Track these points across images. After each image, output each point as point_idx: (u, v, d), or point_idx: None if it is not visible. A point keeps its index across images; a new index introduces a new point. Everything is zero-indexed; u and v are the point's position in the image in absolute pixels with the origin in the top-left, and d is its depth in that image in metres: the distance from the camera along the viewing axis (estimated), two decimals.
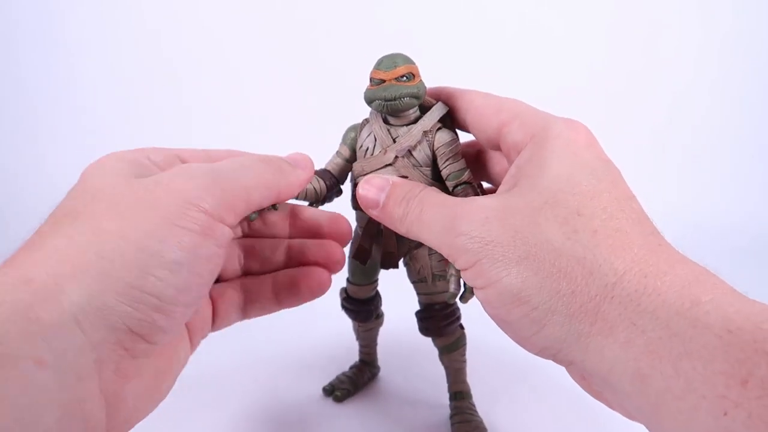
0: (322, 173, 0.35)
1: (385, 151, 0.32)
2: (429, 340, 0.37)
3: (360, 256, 0.34)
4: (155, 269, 0.23)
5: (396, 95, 0.31)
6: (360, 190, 0.30)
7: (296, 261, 0.34)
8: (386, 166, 0.32)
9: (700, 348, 0.19)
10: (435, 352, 0.37)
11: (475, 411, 0.37)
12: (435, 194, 0.29)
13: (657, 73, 1.03)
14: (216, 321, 0.31)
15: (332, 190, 0.35)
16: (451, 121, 0.34)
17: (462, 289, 0.29)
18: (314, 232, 0.34)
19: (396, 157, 0.32)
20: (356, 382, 0.40)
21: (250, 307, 0.33)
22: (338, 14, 0.99)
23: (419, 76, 0.32)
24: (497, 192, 0.28)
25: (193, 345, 0.30)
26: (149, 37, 0.99)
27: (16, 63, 0.98)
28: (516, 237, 0.25)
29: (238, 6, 0.99)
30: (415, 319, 0.37)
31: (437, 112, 0.33)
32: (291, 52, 0.99)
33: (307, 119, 0.95)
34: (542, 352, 0.25)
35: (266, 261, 0.34)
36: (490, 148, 0.33)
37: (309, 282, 0.33)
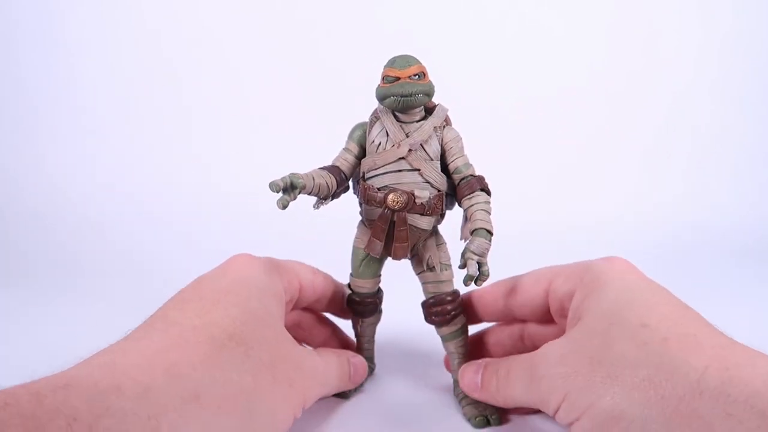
0: (332, 169, 0.36)
1: (399, 145, 0.34)
2: (421, 336, 0.39)
3: (373, 248, 0.35)
4: None
5: (411, 92, 0.33)
6: (461, 379, 0.35)
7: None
8: (399, 159, 0.34)
9: None
10: (428, 346, 0.39)
11: None
12: (515, 356, 0.33)
13: (657, 73, 1.03)
14: None
15: (341, 186, 0.36)
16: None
17: (477, 273, 0.31)
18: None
19: (410, 150, 0.34)
20: None
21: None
22: (338, 14, 0.99)
23: (428, 75, 0.34)
24: (566, 333, 0.31)
25: None
26: (149, 37, 0.99)
27: (16, 63, 0.98)
28: (593, 362, 0.27)
29: (238, 6, 0.99)
30: (407, 315, 0.38)
31: (442, 111, 0.36)
32: (291, 51, 0.99)
33: (307, 119, 0.95)
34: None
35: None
36: (537, 321, 0.37)
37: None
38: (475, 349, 0.39)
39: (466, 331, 0.38)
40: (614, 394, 0.25)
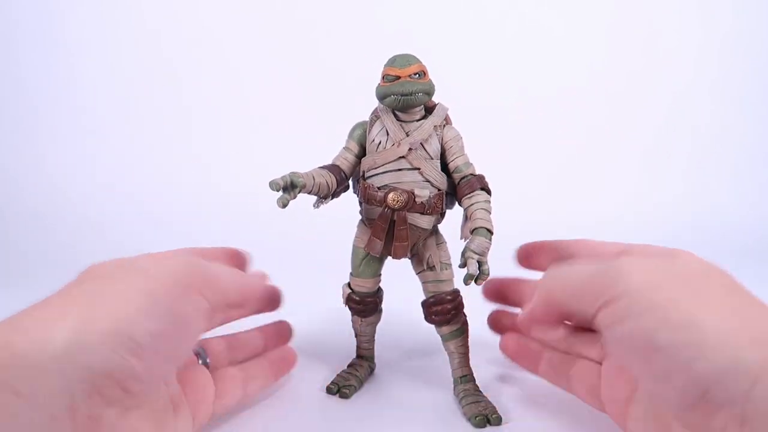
0: (332, 168, 0.36)
1: (399, 144, 0.34)
2: (421, 336, 0.38)
3: (373, 247, 0.35)
4: (134, 314, 0.25)
5: (411, 90, 0.33)
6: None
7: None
8: (400, 158, 0.34)
9: None
10: (428, 345, 0.38)
11: (482, 392, 0.37)
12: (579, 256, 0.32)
13: (657, 73, 1.03)
14: (218, 396, 0.33)
15: (341, 186, 0.36)
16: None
17: (477, 272, 0.31)
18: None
19: (410, 149, 0.34)
20: (359, 377, 0.40)
21: (249, 384, 0.35)
22: (338, 14, 0.99)
23: (428, 75, 0.34)
24: None
25: (196, 420, 0.31)
26: (149, 37, 0.99)
27: (16, 63, 0.98)
28: (683, 278, 0.27)
29: (238, 6, 0.99)
30: (407, 314, 0.38)
31: (442, 110, 0.36)
32: (291, 51, 0.99)
33: (307, 118, 0.95)
34: (696, 383, 0.24)
35: (252, 349, 0.38)
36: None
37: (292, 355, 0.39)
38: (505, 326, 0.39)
39: (467, 330, 0.38)
40: (693, 307, 0.25)
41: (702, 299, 0.25)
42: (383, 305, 0.41)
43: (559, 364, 0.35)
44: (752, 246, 0.82)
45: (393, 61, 0.34)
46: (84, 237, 0.83)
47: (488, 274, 0.32)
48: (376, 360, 0.43)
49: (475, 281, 0.31)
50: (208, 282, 0.29)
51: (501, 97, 1.00)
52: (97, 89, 0.99)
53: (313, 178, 0.34)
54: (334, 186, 0.35)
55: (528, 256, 0.38)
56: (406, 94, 0.33)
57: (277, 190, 0.31)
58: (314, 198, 0.36)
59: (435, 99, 0.36)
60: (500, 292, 0.40)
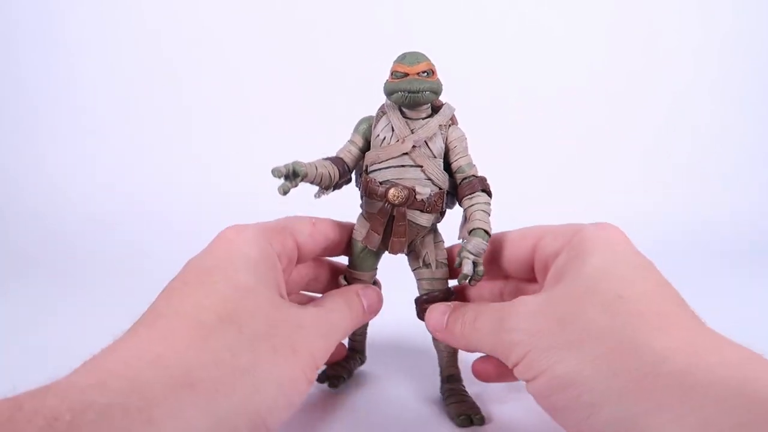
0: (335, 160, 0.36)
1: (403, 140, 0.34)
2: (414, 333, 0.39)
3: (371, 241, 0.35)
4: (281, 407, 0.26)
5: (419, 88, 0.33)
6: (427, 319, 0.34)
7: None
8: (403, 155, 0.34)
9: (764, 418, 0.19)
10: (420, 343, 0.39)
11: (467, 393, 0.38)
12: (486, 304, 0.32)
13: (657, 73, 1.03)
14: None
15: (343, 178, 0.36)
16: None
17: (472, 273, 0.31)
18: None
19: (414, 146, 0.34)
20: (349, 368, 0.41)
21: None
22: (338, 14, 0.99)
23: (437, 74, 0.35)
24: (543, 291, 0.30)
25: None
26: (149, 37, 0.99)
27: (16, 63, 0.98)
28: (561, 324, 0.26)
29: (238, 6, 0.99)
30: (399, 313, 0.38)
31: (448, 110, 0.36)
32: (291, 52, 0.99)
33: (307, 119, 0.95)
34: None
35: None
36: (523, 279, 0.36)
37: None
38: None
39: None
40: (574, 361, 0.25)
41: (580, 349, 0.25)
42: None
43: None
44: (752, 246, 0.82)
45: (402, 58, 0.34)
46: (84, 237, 0.83)
47: (482, 275, 0.32)
48: (369, 355, 0.44)
49: (469, 282, 0.32)
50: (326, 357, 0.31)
51: (500, 97, 1.00)
52: (97, 89, 0.99)
53: (316, 168, 0.34)
54: (336, 177, 0.35)
55: None
56: (413, 92, 0.33)
57: (279, 177, 0.31)
58: (315, 189, 0.36)
59: (442, 99, 0.36)
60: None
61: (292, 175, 0.32)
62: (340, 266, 0.41)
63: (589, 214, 0.93)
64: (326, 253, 0.38)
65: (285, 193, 0.31)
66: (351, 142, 0.37)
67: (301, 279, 0.38)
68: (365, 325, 0.42)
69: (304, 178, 0.33)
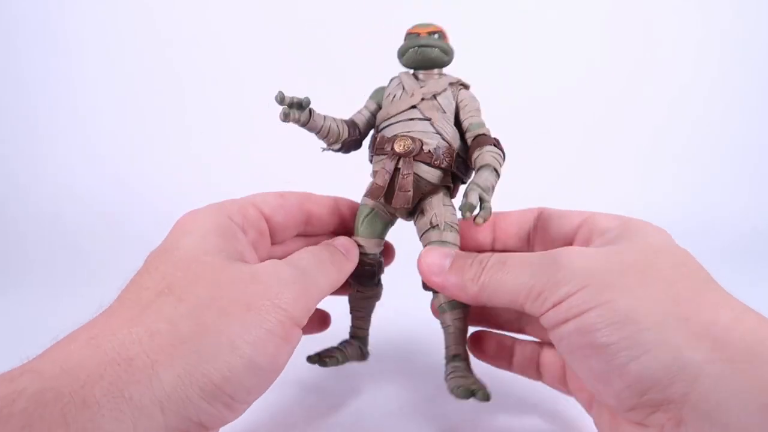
0: (347, 121, 0.36)
1: (412, 93, 0.34)
2: (418, 327, 0.38)
3: (373, 192, 0.33)
4: (239, 371, 0.24)
5: (429, 43, 0.34)
6: (422, 258, 0.31)
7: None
8: (411, 108, 0.34)
9: None
10: (424, 339, 0.38)
11: (473, 372, 0.34)
12: (514, 254, 0.29)
13: (654, 72, 1.03)
14: None
15: (352, 139, 0.36)
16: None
17: (478, 203, 0.28)
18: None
19: (422, 98, 0.34)
20: (345, 353, 0.37)
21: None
22: (339, 15, 0.99)
23: (448, 39, 0.35)
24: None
25: None
26: (150, 37, 0.99)
27: (16, 63, 0.98)
28: (626, 267, 0.25)
29: (239, 6, 0.99)
30: (404, 309, 0.37)
31: (458, 76, 0.36)
32: (292, 52, 0.99)
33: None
34: (633, 386, 0.23)
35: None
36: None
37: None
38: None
39: (467, 305, 0.34)
40: (640, 297, 0.24)
41: (645, 290, 0.24)
42: (382, 300, 0.40)
43: (530, 355, 0.35)
44: (751, 246, 0.82)
45: (415, 25, 0.35)
46: (84, 237, 0.83)
47: (490, 213, 0.28)
48: (372, 349, 0.41)
49: (475, 219, 0.28)
50: (318, 302, 0.29)
51: (500, 97, 1.00)
52: (97, 89, 0.99)
53: (324, 118, 0.34)
54: (345, 135, 0.35)
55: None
56: (423, 45, 0.34)
57: (280, 102, 0.31)
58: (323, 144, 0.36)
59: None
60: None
61: (297, 106, 0.32)
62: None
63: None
64: (311, 229, 0.36)
65: (286, 116, 0.32)
66: (364, 107, 0.37)
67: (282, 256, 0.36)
68: (369, 311, 0.39)
69: (309, 116, 0.33)
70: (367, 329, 0.39)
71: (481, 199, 0.28)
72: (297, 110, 0.31)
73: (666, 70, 1.03)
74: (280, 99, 0.31)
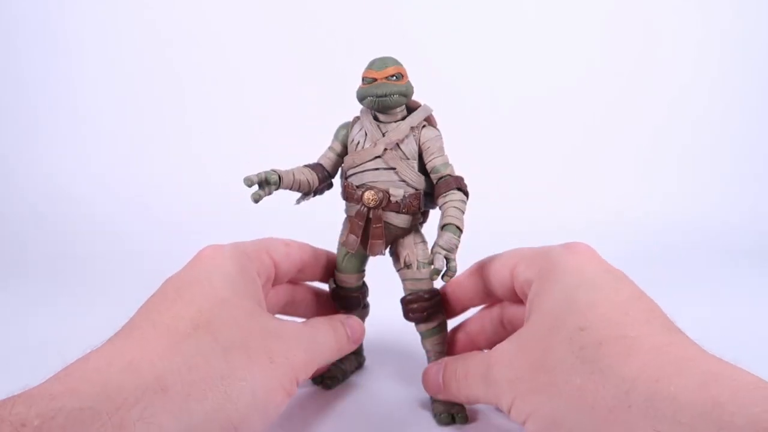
0: (315, 167, 0.37)
1: (375, 144, 0.35)
2: (410, 331, 0.39)
3: (349, 243, 0.36)
4: (254, 416, 0.26)
5: (387, 92, 0.34)
6: (425, 383, 0.36)
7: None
8: (376, 158, 0.35)
9: None
10: (416, 343, 0.39)
11: None
12: (473, 355, 0.34)
13: (652, 73, 1.03)
14: None
15: (324, 183, 0.38)
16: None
17: (444, 268, 0.31)
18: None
19: (385, 149, 0.35)
20: (344, 369, 0.41)
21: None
22: (338, 16, 0.99)
23: (407, 77, 0.35)
24: (517, 332, 0.31)
25: None
26: (150, 37, 0.99)
27: (16, 63, 0.98)
28: (534, 368, 0.27)
29: (239, 6, 0.99)
30: (398, 312, 0.38)
31: (423, 112, 0.36)
32: (292, 52, 0.99)
33: (307, 119, 0.95)
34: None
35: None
36: (512, 301, 0.36)
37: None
38: (459, 341, 0.40)
39: (445, 329, 0.39)
40: (553, 402, 0.26)
41: (558, 387, 0.26)
42: (373, 302, 0.42)
43: None
44: (749, 248, 0.82)
45: (371, 64, 0.35)
46: (83, 237, 0.83)
47: (455, 271, 0.31)
48: (365, 354, 0.44)
49: (442, 277, 0.31)
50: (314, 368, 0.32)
51: (500, 98, 1.00)
52: (97, 89, 0.99)
53: (293, 175, 0.35)
54: (316, 183, 0.37)
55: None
56: (381, 96, 0.34)
57: (250, 186, 0.33)
58: (297, 195, 0.37)
59: (423, 100, 0.37)
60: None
61: (264, 183, 0.33)
62: (317, 290, 0.42)
63: (590, 214, 0.94)
64: (301, 276, 0.39)
65: (257, 201, 0.33)
66: (330, 148, 0.38)
67: (278, 301, 0.39)
68: None
69: (278, 185, 0.34)
70: (361, 343, 0.42)
71: (447, 259, 0.31)
72: (266, 186, 0.33)
73: (666, 70, 1.03)
74: (250, 183, 0.33)
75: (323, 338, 0.33)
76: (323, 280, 0.41)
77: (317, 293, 0.42)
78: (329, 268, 0.40)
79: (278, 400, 0.28)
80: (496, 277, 0.36)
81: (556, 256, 0.31)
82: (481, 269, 0.37)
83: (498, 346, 0.31)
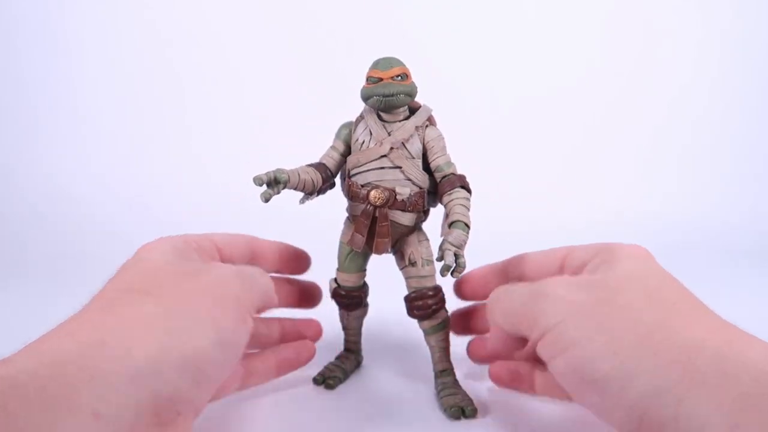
0: (318, 166, 0.38)
1: (381, 143, 0.36)
2: (410, 330, 0.39)
3: (355, 242, 0.36)
4: (207, 344, 0.26)
5: (393, 92, 0.34)
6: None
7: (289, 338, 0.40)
8: (381, 157, 0.36)
9: None
10: (415, 341, 0.39)
11: (460, 386, 0.38)
12: (521, 283, 0.33)
13: (652, 73, 1.03)
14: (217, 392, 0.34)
15: (326, 183, 0.38)
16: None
17: (454, 264, 0.31)
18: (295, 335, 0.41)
19: (391, 148, 0.35)
20: (345, 369, 0.42)
21: (249, 379, 0.37)
22: (338, 16, 0.99)
23: (411, 77, 0.36)
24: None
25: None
26: (150, 37, 1.00)
27: (16, 63, 0.98)
28: (599, 300, 0.27)
29: (239, 6, 0.99)
30: (395, 310, 0.39)
31: (425, 112, 0.37)
32: (292, 52, 0.99)
33: (307, 119, 0.95)
34: (631, 411, 0.24)
35: (264, 340, 0.39)
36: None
37: (307, 353, 0.40)
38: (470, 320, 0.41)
39: (448, 325, 0.39)
40: (609, 333, 0.25)
41: (623, 321, 0.26)
42: (372, 300, 0.42)
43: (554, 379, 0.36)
44: (749, 248, 0.82)
45: (376, 64, 0.35)
46: (83, 238, 0.83)
47: (465, 267, 0.32)
48: (364, 353, 0.44)
49: (452, 274, 0.32)
50: (259, 305, 0.32)
51: (500, 98, 1.00)
52: (97, 89, 0.99)
53: (298, 175, 0.35)
54: (320, 183, 0.37)
55: (469, 293, 0.40)
56: (387, 95, 0.34)
57: (260, 185, 0.33)
58: (300, 194, 0.37)
59: (422, 100, 0.37)
60: (466, 324, 0.41)
61: (273, 183, 0.34)
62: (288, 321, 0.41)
63: (590, 214, 0.94)
64: (256, 263, 0.39)
65: (267, 200, 0.33)
66: (333, 147, 0.38)
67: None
68: (359, 327, 0.43)
69: (285, 185, 0.34)
70: (359, 341, 0.44)
71: (456, 256, 0.32)
72: (275, 185, 0.34)
73: (666, 70, 1.03)
74: (260, 183, 0.33)
75: (253, 270, 0.33)
76: (284, 272, 0.41)
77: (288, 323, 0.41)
78: (294, 264, 0.40)
79: (230, 324, 0.28)
80: (540, 262, 0.36)
81: (617, 247, 0.31)
82: (510, 266, 0.38)
83: (553, 277, 0.31)
